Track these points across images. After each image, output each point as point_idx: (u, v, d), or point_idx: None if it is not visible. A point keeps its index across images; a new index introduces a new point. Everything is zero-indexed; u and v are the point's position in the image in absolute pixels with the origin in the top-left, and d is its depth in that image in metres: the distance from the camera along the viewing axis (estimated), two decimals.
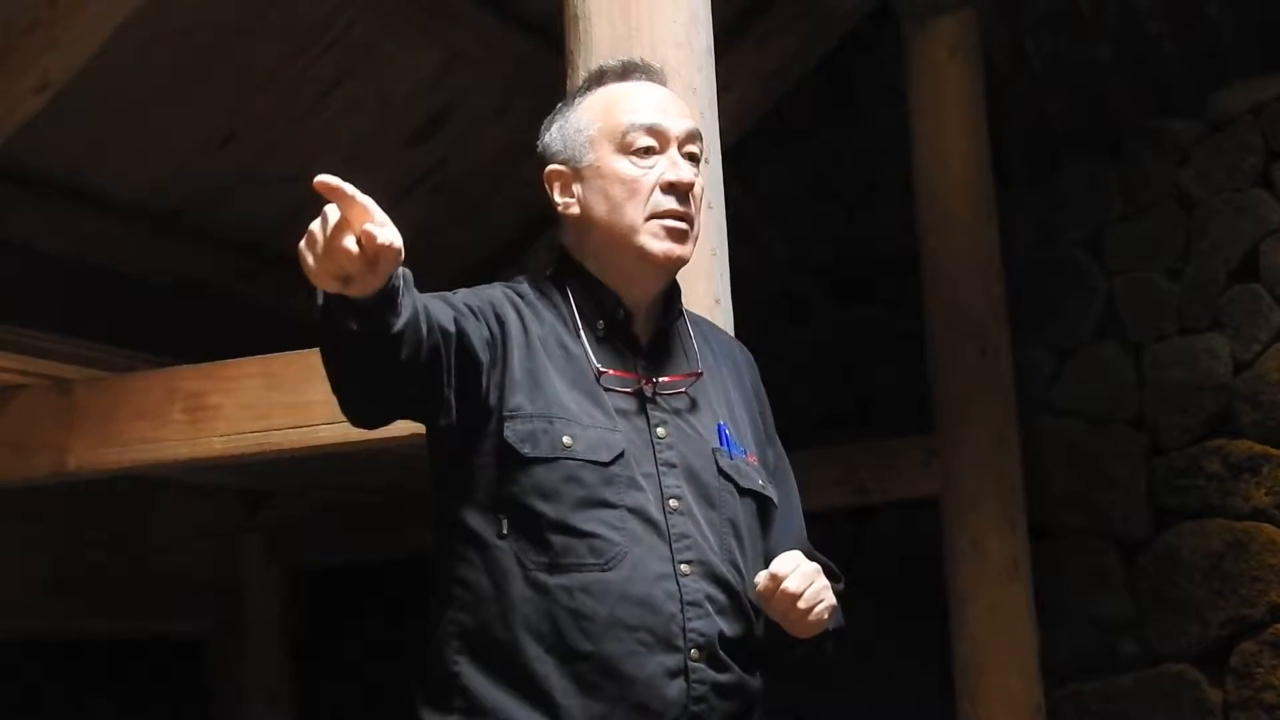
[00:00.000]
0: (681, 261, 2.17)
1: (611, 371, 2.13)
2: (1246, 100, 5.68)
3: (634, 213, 2.13)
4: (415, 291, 1.92)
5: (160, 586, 5.65)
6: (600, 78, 2.24)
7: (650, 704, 2.00)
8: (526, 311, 2.14)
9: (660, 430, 2.11)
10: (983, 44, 5.49)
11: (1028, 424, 5.60)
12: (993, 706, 5.16)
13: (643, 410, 2.12)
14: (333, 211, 1.77)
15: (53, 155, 4.31)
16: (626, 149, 2.15)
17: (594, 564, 2.01)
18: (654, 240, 2.13)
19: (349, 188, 1.76)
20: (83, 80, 3.92)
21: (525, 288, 2.20)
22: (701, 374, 2.20)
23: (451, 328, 2.01)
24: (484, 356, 2.06)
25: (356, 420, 2.03)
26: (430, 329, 1.94)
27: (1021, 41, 5.84)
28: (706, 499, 2.11)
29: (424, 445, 2.17)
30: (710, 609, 2.05)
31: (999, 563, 5.19)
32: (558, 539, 2.02)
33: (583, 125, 2.18)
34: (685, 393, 2.17)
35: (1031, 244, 6.00)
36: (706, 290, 2.64)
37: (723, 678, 2.04)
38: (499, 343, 2.09)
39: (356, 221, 1.76)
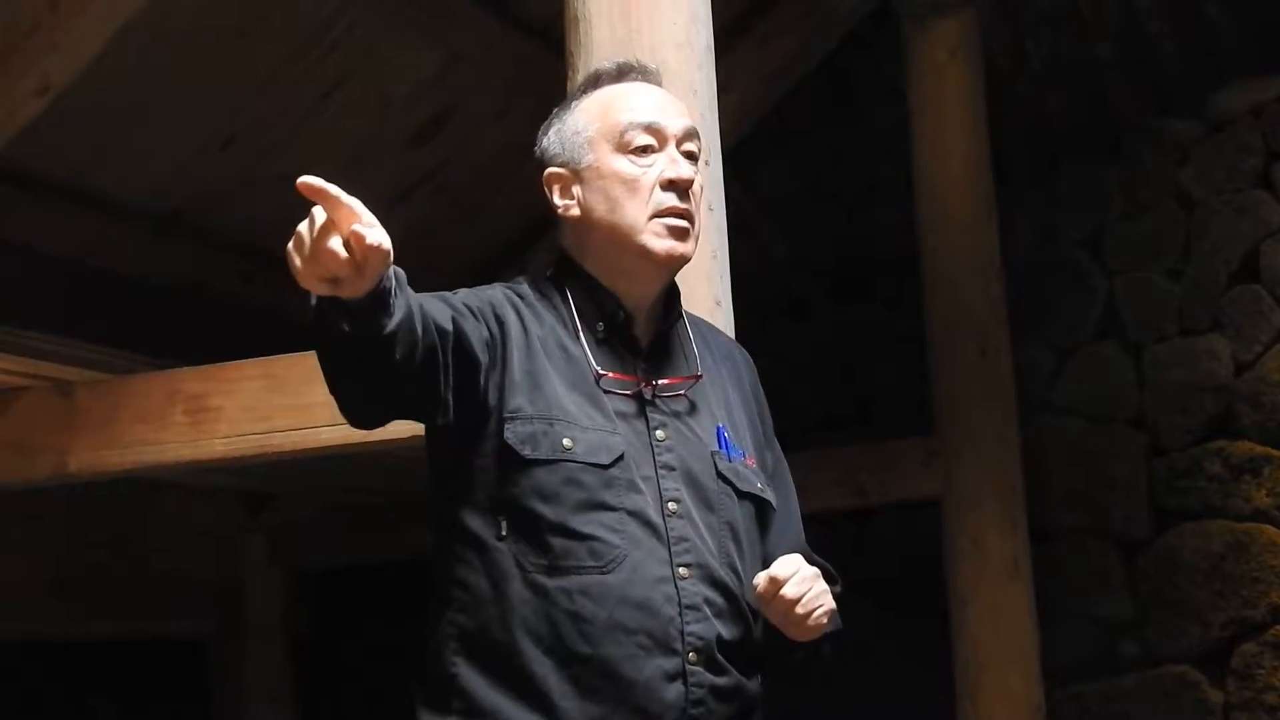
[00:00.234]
0: (684, 259, 2.17)
1: (611, 374, 2.13)
2: (1247, 101, 5.68)
3: (635, 212, 2.14)
4: (410, 291, 1.92)
5: (161, 588, 5.65)
6: (596, 80, 2.25)
7: (648, 707, 2.00)
8: (526, 313, 2.14)
9: (659, 433, 2.11)
10: (983, 44, 5.49)
11: (1028, 424, 5.60)
12: (993, 707, 5.16)
13: (642, 413, 2.12)
14: (319, 213, 1.76)
15: (54, 157, 4.31)
16: (625, 148, 2.15)
17: (593, 566, 2.01)
18: (656, 239, 2.13)
19: (333, 189, 1.75)
20: (84, 82, 3.92)
21: (525, 289, 2.20)
22: (701, 377, 2.20)
23: (449, 326, 2.00)
24: (483, 357, 2.06)
25: (355, 421, 2.03)
26: (426, 329, 1.94)
27: (1022, 41, 5.84)
28: (705, 502, 2.11)
29: (424, 447, 2.17)
30: (708, 612, 2.05)
31: (999, 563, 5.19)
32: (557, 541, 2.02)
33: (580, 127, 2.19)
34: (684, 395, 2.17)
35: (1032, 244, 6.00)
36: (707, 292, 2.64)
37: (721, 681, 2.05)
38: (498, 343, 2.09)
39: (343, 223, 1.76)
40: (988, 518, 5.20)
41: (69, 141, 4.27)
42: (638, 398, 2.13)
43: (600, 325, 2.16)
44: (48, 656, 5.69)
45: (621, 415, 2.10)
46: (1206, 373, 5.62)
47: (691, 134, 2.20)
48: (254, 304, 5.01)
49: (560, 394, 2.08)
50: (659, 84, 2.25)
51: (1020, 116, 5.94)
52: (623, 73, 2.24)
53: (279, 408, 3.55)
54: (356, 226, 1.76)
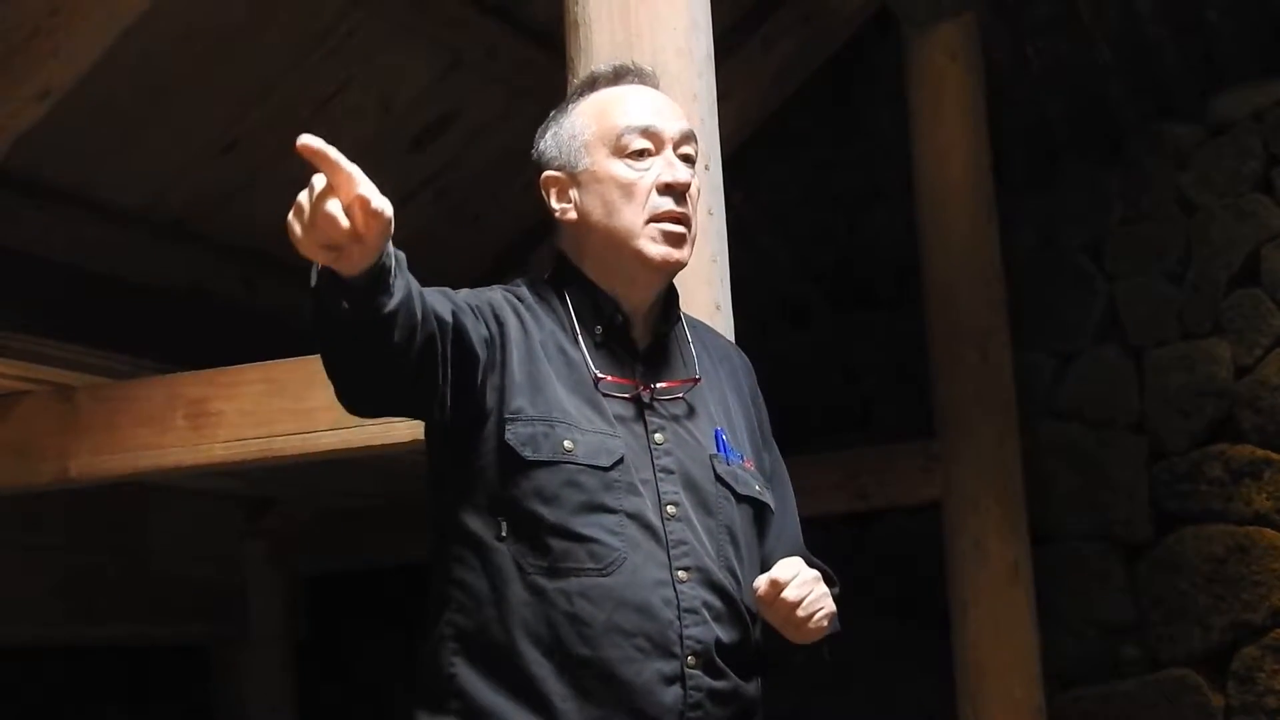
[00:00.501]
0: (679, 265, 2.17)
1: (609, 377, 2.13)
2: (1247, 105, 5.68)
3: (632, 216, 2.14)
4: (410, 275, 1.91)
5: (162, 592, 5.64)
6: (593, 83, 2.24)
7: (646, 709, 2.00)
8: (526, 315, 2.14)
9: (658, 436, 2.12)
10: (983, 48, 5.50)
11: (1029, 428, 5.60)
12: (994, 711, 5.16)
13: (640, 416, 2.12)
14: (319, 180, 1.76)
15: (55, 162, 4.31)
16: (621, 152, 2.15)
17: (592, 569, 2.02)
18: (651, 244, 2.13)
19: (334, 152, 1.74)
20: (84, 87, 3.92)
21: (524, 291, 2.20)
22: (699, 380, 2.20)
23: (449, 319, 2.00)
24: (481, 354, 2.06)
25: (352, 408, 2.02)
26: (425, 316, 1.93)
27: (1022, 45, 5.84)
28: (704, 505, 2.11)
29: (424, 449, 2.17)
30: (707, 615, 2.05)
31: (1000, 567, 5.19)
32: (557, 543, 2.02)
33: (577, 131, 2.19)
34: (683, 398, 2.17)
35: (1032, 248, 6.00)
36: (707, 297, 2.65)
37: (719, 684, 2.05)
38: (497, 344, 2.09)
39: (344, 188, 1.75)
40: (988, 521, 5.21)
41: (70, 146, 4.27)
42: (636, 401, 2.13)
43: (598, 328, 2.16)
44: (48, 662, 5.69)
45: (620, 418, 2.10)
46: (1207, 376, 5.62)
47: (689, 137, 2.20)
48: (255, 308, 5.02)
49: (561, 396, 2.08)
50: (656, 86, 2.24)
51: (1021, 120, 5.95)
52: (619, 75, 2.23)
53: (280, 412, 3.56)
54: (360, 190, 1.75)
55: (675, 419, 2.15)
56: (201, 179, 4.70)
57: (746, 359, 2.37)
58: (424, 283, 1.97)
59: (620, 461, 2.06)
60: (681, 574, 2.05)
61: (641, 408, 2.13)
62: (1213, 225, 5.69)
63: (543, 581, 2.01)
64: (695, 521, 2.09)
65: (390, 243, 1.83)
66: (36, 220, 4.37)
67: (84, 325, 4.15)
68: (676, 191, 2.15)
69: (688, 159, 2.19)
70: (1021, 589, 5.22)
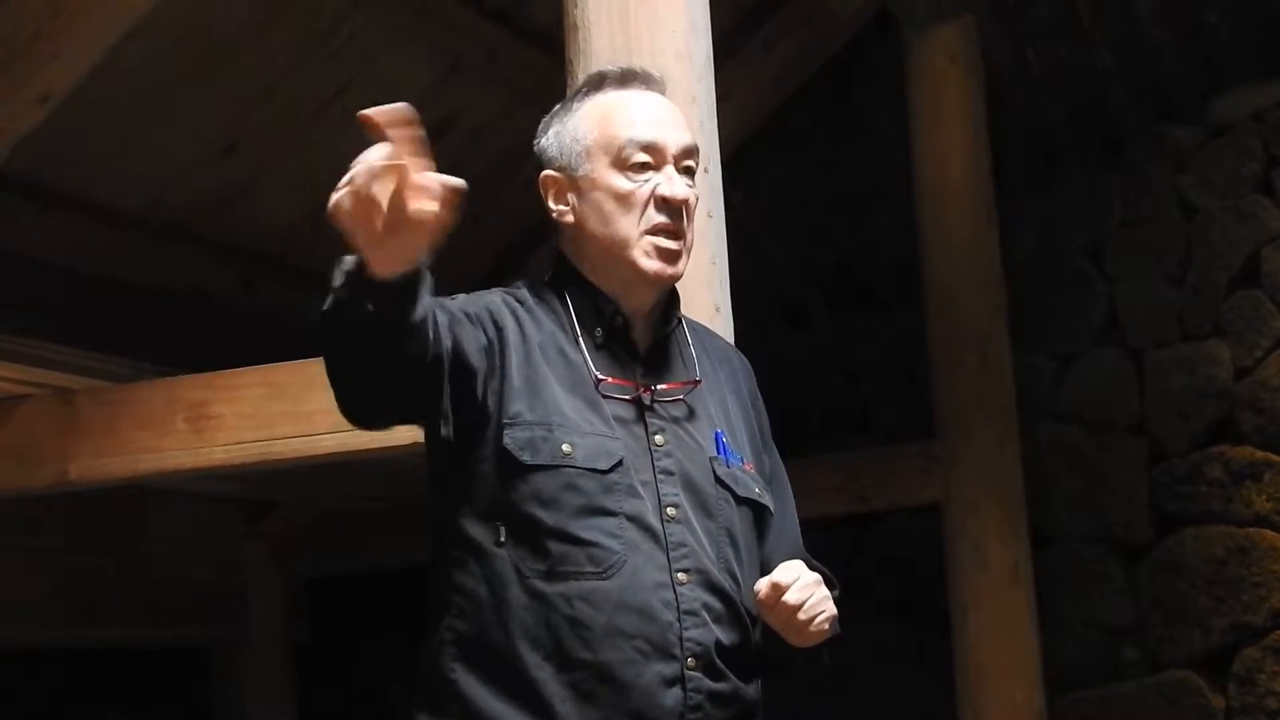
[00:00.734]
0: (673, 280, 2.17)
1: (610, 379, 2.12)
2: (1247, 106, 5.68)
3: (628, 227, 2.13)
4: (431, 296, 1.89)
5: (162, 595, 5.65)
6: (599, 83, 2.23)
7: (646, 712, 2.00)
8: (525, 318, 2.14)
9: (658, 438, 2.11)
10: (983, 50, 5.50)
11: (1029, 430, 5.60)
12: (995, 713, 5.16)
13: (641, 418, 2.12)
14: (381, 155, 1.72)
15: (55, 165, 4.31)
16: (622, 165, 2.14)
17: (592, 572, 2.01)
18: (645, 259, 2.13)
19: (413, 130, 1.70)
20: (85, 90, 3.92)
21: (524, 293, 2.19)
22: (699, 382, 2.20)
23: (449, 340, 2.00)
24: (480, 364, 2.05)
25: (351, 415, 2.00)
26: (438, 337, 1.93)
27: (1022, 48, 5.85)
28: (704, 507, 2.11)
29: (424, 453, 2.16)
30: (707, 618, 2.05)
31: (1000, 569, 5.19)
32: (556, 546, 2.02)
33: (580, 134, 2.18)
34: (683, 400, 2.17)
35: (1032, 250, 6.00)
36: (706, 298, 2.65)
37: (719, 687, 2.05)
38: (496, 350, 2.08)
39: (405, 173, 1.70)
40: (989, 524, 5.21)
41: (70, 149, 4.27)
42: (636, 403, 2.13)
43: (599, 330, 2.16)
44: (49, 665, 5.69)
45: (620, 420, 2.10)
46: (1207, 378, 5.62)
47: (691, 151, 2.19)
48: (255, 311, 5.02)
49: (559, 399, 2.08)
50: (663, 92, 2.23)
51: (1020, 123, 5.95)
52: (626, 79, 2.22)
53: (280, 415, 3.56)
54: (432, 180, 1.70)
55: (675, 421, 2.15)
56: (202, 181, 4.71)
57: (746, 361, 2.36)
58: None
59: (620, 464, 2.06)
60: (681, 576, 2.05)
61: (642, 409, 2.13)
62: (1213, 227, 5.69)
63: (542, 585, 2.01)
64: (695, 524, 2.09)
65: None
66: (37, 224, 4.37)
67: (84, 328, 4.15)
68: (673, 207, 2.14)
69: (689, 172, 2.18)
70: (1021, 591, 5.22)
